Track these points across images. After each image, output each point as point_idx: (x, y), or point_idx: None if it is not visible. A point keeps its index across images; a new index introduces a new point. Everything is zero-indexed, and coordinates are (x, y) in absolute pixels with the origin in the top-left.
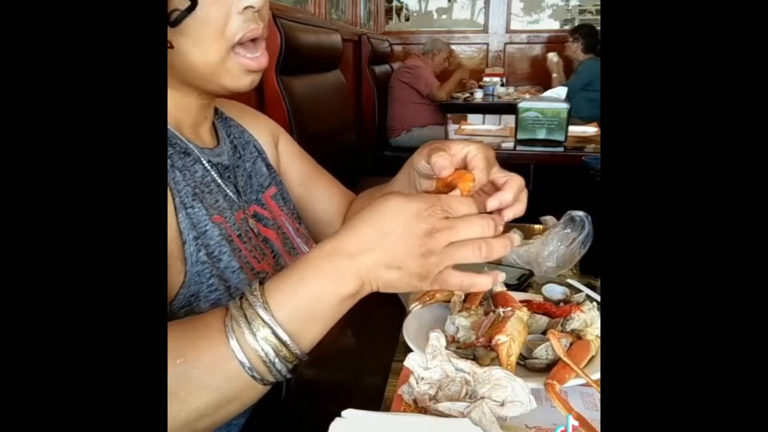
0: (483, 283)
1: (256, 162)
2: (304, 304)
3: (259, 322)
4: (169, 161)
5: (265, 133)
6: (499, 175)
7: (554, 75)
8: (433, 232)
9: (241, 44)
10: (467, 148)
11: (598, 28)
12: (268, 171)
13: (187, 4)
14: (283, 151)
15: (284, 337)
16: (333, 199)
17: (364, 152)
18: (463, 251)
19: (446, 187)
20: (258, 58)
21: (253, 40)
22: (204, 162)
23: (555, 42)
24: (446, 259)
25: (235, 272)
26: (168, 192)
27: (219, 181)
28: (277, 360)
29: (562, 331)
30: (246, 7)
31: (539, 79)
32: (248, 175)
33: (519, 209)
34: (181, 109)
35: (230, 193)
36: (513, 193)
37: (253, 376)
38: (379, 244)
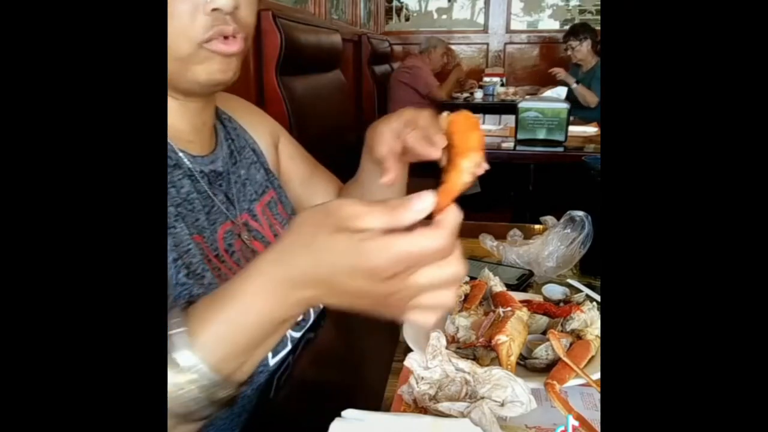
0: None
1: (251, 168)
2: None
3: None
4: None
5: (265, 133)
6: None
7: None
8: (395, 277)
9: (209, 42)
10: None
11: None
12: (266, 176)
13: None
14: (283, 151)
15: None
16: (333, 198)
17: None
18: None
19: (458, 156)
20: (228, 43)
21: (225, 38)
22: (195, 173)
23: (555, 42)
24: (411, 293)
25: None
26: None
27: (208, 191)
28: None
29: (562, 331)
30: (214, 9)
31: (539, 79)
32: (242, 182)
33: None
34: (180, 116)
35: (219, 203)
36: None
37: None
38: (331, 284)
